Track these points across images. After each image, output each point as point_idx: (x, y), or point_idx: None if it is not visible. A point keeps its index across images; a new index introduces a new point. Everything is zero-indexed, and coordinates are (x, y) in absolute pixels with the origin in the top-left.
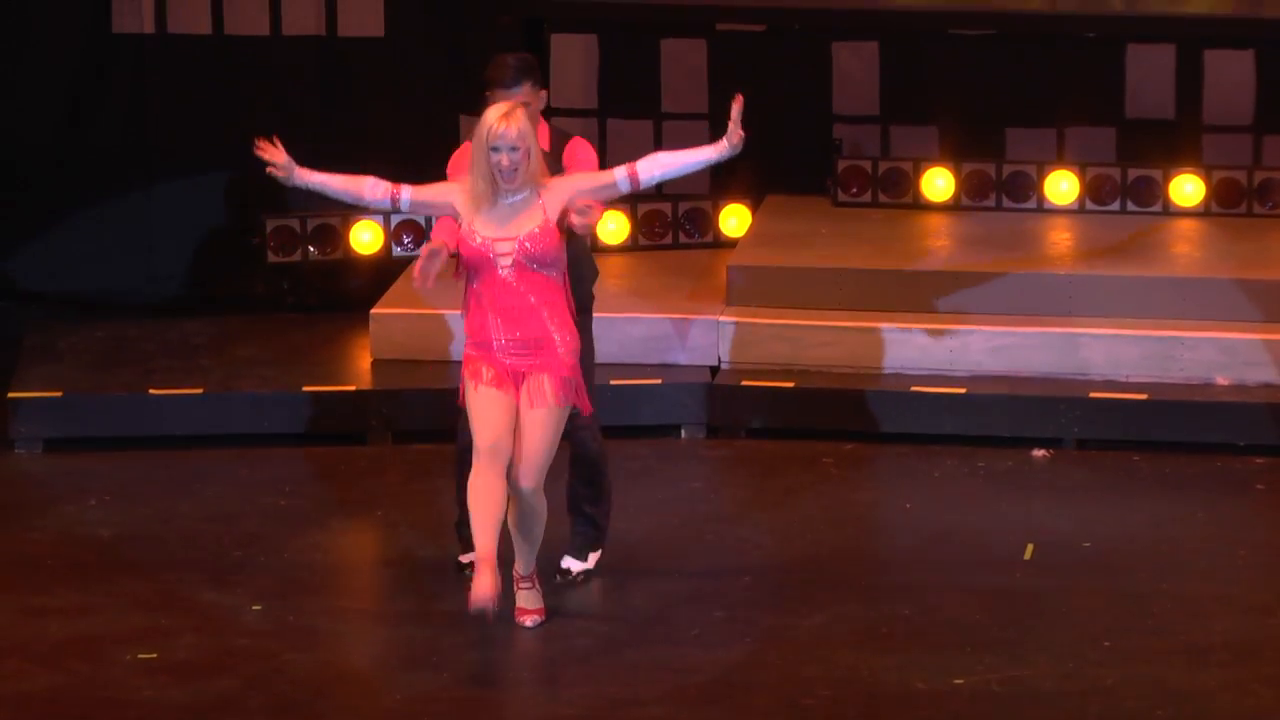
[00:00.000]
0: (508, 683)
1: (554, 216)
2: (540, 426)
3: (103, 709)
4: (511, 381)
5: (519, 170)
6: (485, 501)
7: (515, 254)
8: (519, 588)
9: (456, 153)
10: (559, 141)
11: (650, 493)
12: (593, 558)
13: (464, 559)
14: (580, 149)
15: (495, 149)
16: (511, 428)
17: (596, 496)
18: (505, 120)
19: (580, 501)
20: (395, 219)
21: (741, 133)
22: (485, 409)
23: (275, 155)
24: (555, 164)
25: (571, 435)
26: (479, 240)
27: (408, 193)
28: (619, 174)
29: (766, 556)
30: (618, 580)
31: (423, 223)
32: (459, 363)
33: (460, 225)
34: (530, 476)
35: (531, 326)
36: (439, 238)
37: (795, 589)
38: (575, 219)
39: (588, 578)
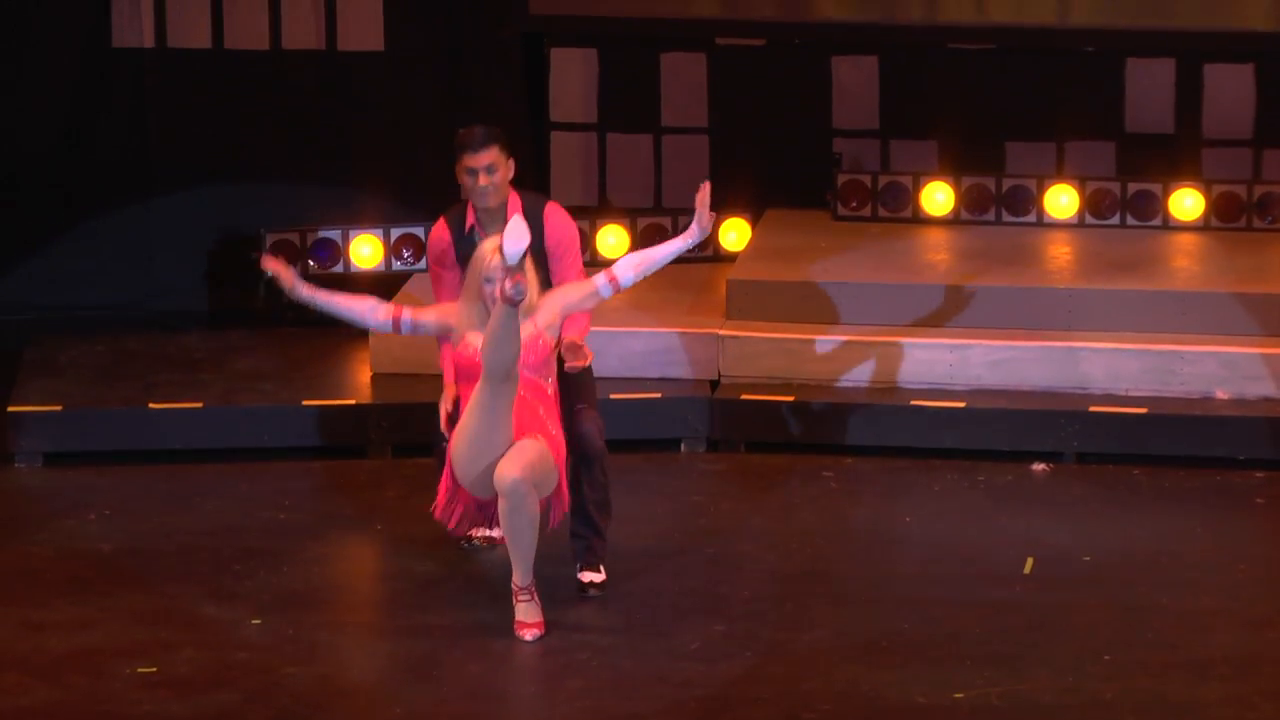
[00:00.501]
0: (507, 696)
1: (542, 326)
2: (536, 442)
3: None
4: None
5: (523, 294)
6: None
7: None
8: (518, 600)
9: (433, 235)
10: (534, 205)
11: (650, 506)
12: (601, 568)
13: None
14: (559, 216)
15: (489, 280)
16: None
17: (605, 501)
18: (494, 251)
19: (588, 507)
20: (395, 232)
21: (711, 215)
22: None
23: (281, 271)
24: (536, 224)
25: (576, 426)
26: (472, 350)
27: (408, 315)
28: (600, 282)
29: (767, 570)
30: (618, 593)
31: (423, 236)
32: None
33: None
34: (517, 466)
35: (530, 423)
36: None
37: (795, 603)
38: (568, 359)
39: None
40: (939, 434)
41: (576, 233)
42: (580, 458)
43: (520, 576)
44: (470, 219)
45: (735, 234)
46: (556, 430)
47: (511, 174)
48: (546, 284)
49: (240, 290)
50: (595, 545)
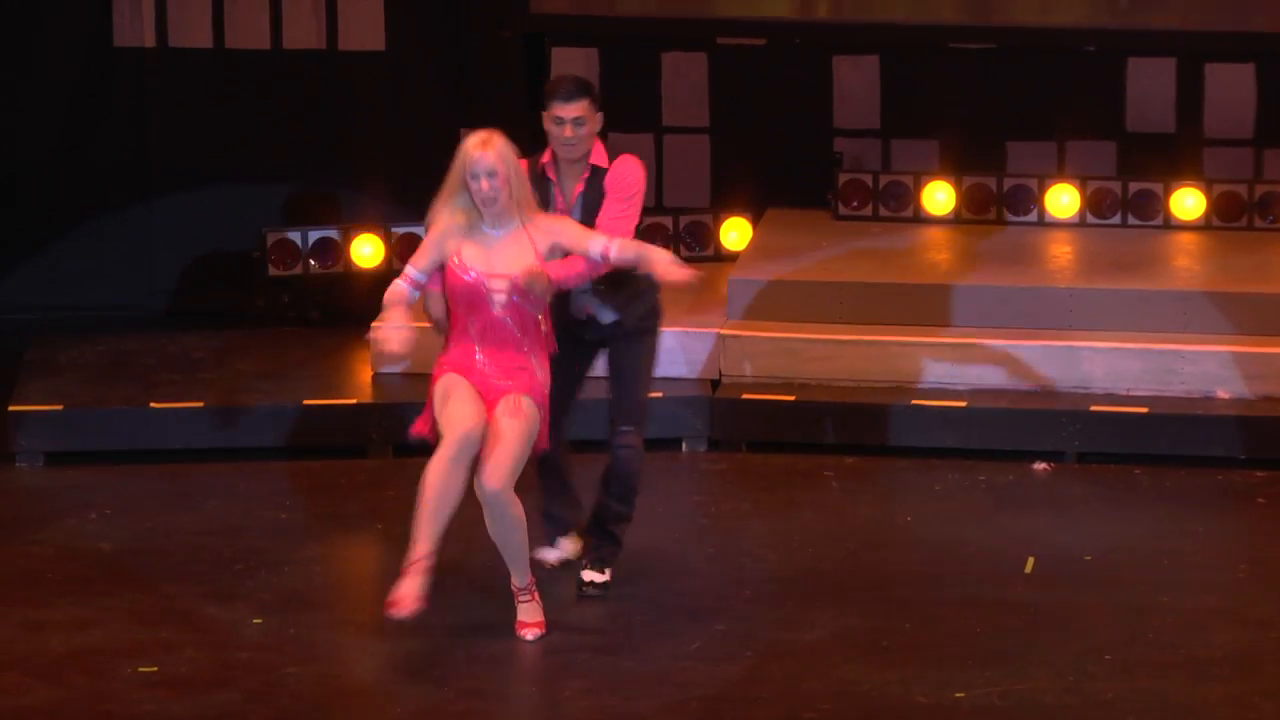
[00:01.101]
0: (508, 696)
1: (544, 253)
2: (514, 433)
3: None
4: (485, 394)
5: (498, 198)
6: (442, 495)
7: (509, 291)
8: (518, 600)
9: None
10: (600, 170)
11: (651, 506)
12: (609, 571)
13: (544, 556)
14: (622, 168)
15: (474, 176)
16: (483, 424)
17: (625, 515)
18: (482, 146)
19: (610, 520)
20: (396, 231)
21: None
22: (460, 400)
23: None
24: (601, 191)
25: (616, 450)
26: (472, 275)
27: (411, 270)
28: (596, 246)
29: (768, 570)
30: (619, 593)
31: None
32: None
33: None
34: (498, 477)
35: (515, 358)
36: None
37: (796, 602)
38: (523, 283)
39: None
40: (940, 434)
41: (635, 183)
42: (612, 474)
43: (518, 577)
44: (546, 159)
45: (736, 233)
46: (543, 371)
47: (598, 126)
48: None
49: (241, 290)
50: (605, 551)
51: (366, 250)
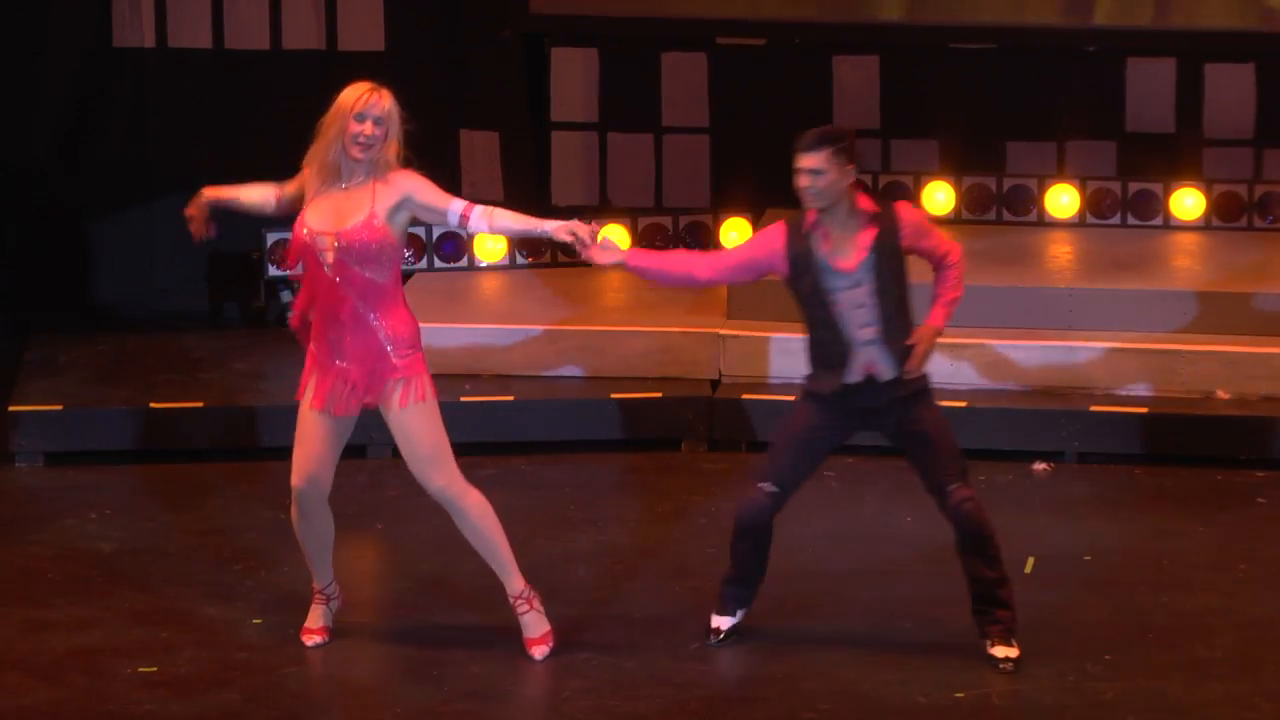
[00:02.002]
0: (508, 696)
1: (382, 211)
2: (420, 421)
3: None
4: (348, 390)
5: (376, 145)
6: (309, 537)
7: (335, 249)
8: (518, 613)
9: (768, 231)
10: (883, 203)
11: (651, 506)
12: (1014, 641)
13: (722, 625)
14: (912, 208)
15: (360, 117)
16: (335, 457)
17: (1001, 576)
18: (376, 92)
19: (988, 587)
20: None
21: (583, 235)
22: (309, 436)
23: (201, 211)
24: (895, 238)
25: (955, 511)
26: (305, 232)
27: (284, 190)
28: (454, 208)
29: (768, 570)
30: (619, 593)
31: (422, 235)
32: (458, 376)
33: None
34: (438, 472)
35: (360, 338)
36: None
37: (796, 602)
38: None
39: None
40: None
41: (921, 214)
42: (965, 538)
43: (507, 584)
44: (810, 218)
45: (736, 234)
46: (396, 344)
47: (848, 180)
48: (900, 277)
49: (240, 290)
50: (1003, 617)
51: None
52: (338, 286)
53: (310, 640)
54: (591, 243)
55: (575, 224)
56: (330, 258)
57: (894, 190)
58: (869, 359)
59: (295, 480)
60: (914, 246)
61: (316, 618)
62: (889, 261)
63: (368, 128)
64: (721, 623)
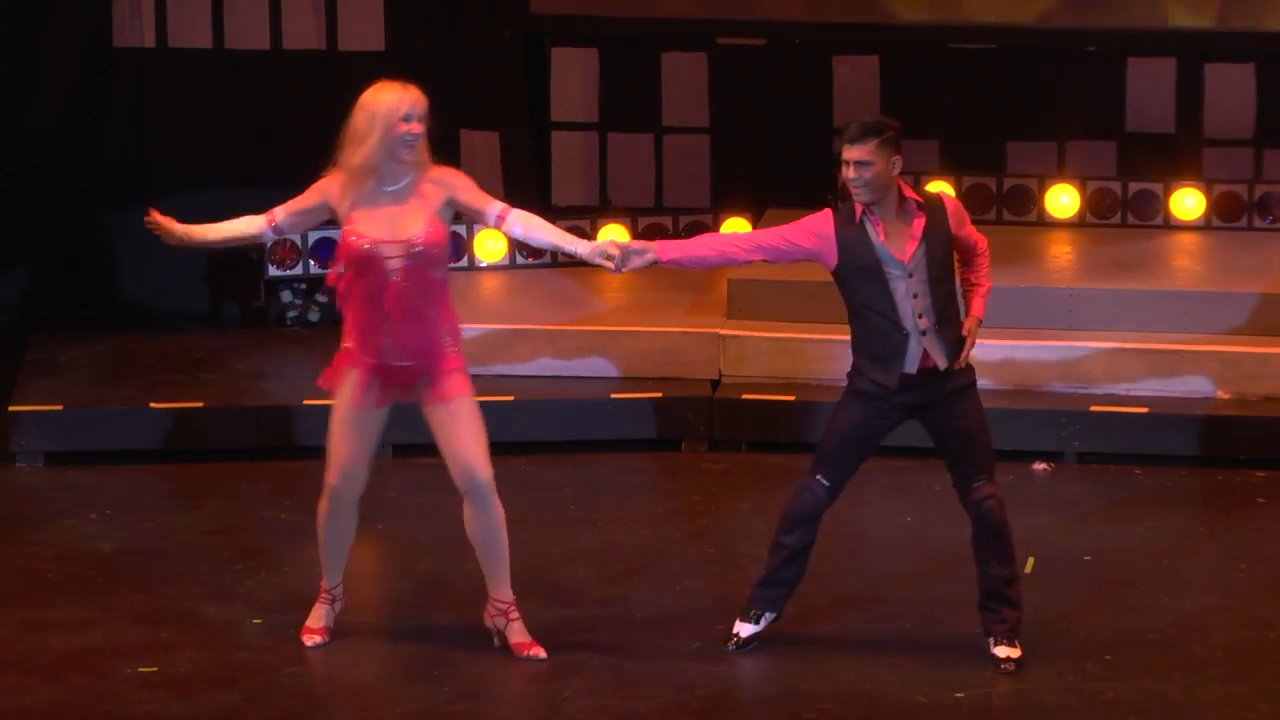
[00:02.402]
0: (508, 696)
1: (438, 211)
2: (466, 417)
3: None
4: (391, 387)
5: (418, 144)
6: (335, 527)
7: (405, 256)
8: (509, 619)
9: (817, 218)
10: (934, 203)
11: (651, 506)
12: (1018, 642)
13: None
14: (957, 205)
15: (406, 118)
16: (372, 456)
17: (1013, 576)
18: (407, 88)
19: (999, 584)
20: None
21: (617, 262)
22: (349, 435)
23: (161, 222)
24: (944, 227)
25: (977, 506)
26: (365, 245)
27: (280, 215)
28: (492, 210)
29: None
30: (619, 593)
31: None
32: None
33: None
34: (486, 465)
35: (420, 333)
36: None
37: (796, 602)
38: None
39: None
40: None
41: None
42: (983, 534)
43: (505, 590)
44: (860, 208)
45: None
46: (451, 338)
47: (895, 171)
48: (950, 266)
49: (241, 290)
50: (1010, 617)
51: None
52: (405, 291)
53: (310, 640)
54: (623, 265)
55: (608, 245)
56: (398, 264)
57: None
58: (925, 348)
59: (332, 478)
60: (956, 234)
61: (319, 617)
62: (940, 250)
63: (415, 127)
64: (742, 629)
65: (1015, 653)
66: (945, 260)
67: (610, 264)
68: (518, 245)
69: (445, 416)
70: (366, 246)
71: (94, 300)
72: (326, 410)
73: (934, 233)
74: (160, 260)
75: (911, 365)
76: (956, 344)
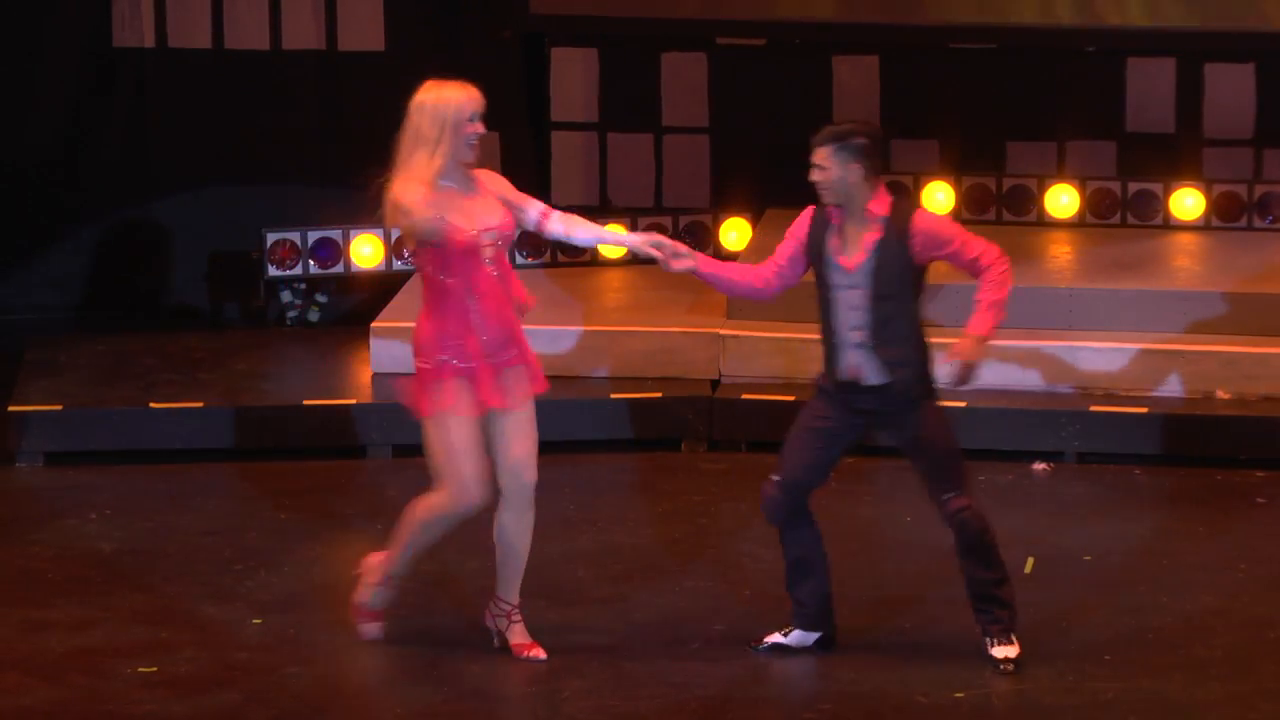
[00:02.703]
0: (508, 696)
1: (500, 200)
2: (530, 424)
3: None
4: (483, 389)
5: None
6: (436, 535)
7: (497, 243)
8: (511, 620)
9: (797, 221)
10: (901, 207)
11: (651, 506)
12: (1015, 639)
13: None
14: (932, 215)
15: (472, 118)
16: (488, 473)
17: (1000, 578)
18: (469, 89)
19: (987, 587)
20: (396, 232)
21: (678, 258)
22: (471, 446)
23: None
24: (900, 246)
25: (952, 520)
26: (471, 232)
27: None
28: (533, 210)
29: (767, 570)
30: (618, 593)
31: None
32: None
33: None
34: (534, 470)
35: (508, 317)
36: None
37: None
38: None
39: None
40: None
41: (943, 223)
42: (962, 546)
43: (515, 593)
44: (831, 210)
45: (736, 234)
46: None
47: (853, 179)
48: (904, 285)
49: (241, 290)
50: (1002, 616)
51: (366, 250)
52: (497, 281)
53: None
54: (669, 261)
55: (659, 237)
56: (490, 253)
57: (894, 190)
58: (855, 362)
59: (475, 496)
60: (932, 256)
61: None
62: (890, 267)
63: (479, 127)
64: (771, 636)
65: (1013, 651)
66: (897, 278)
67: (660, 253)
68: (516, 244)
69: (516, 419)
70: (472, 234)
71: (94, 300)
72: (326, 410)
73: (886, 249)
74: (160, 260)
75: (843, 373)
76: (893, 364)
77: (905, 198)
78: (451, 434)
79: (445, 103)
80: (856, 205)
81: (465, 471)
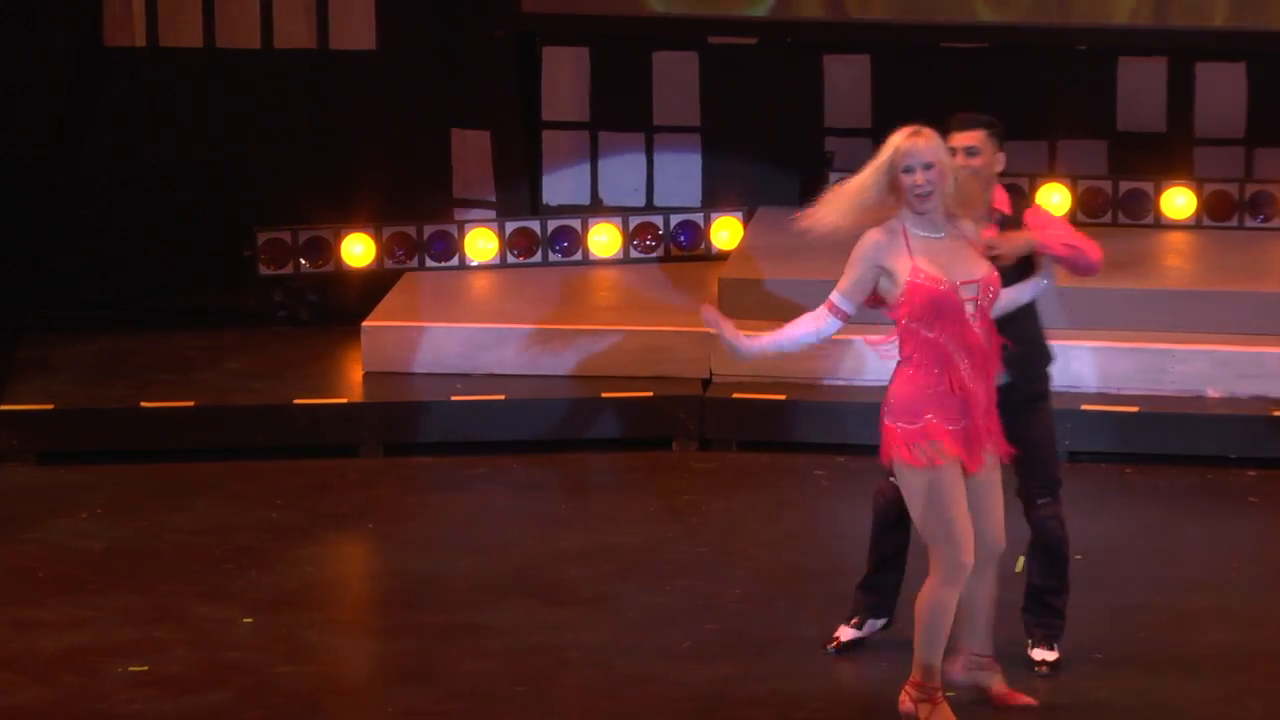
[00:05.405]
0: (500, 696)
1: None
2: (999, 487)
3: None
4: (975, 445)
5: (933, 193)
6: (950, 617)
7: (979, 297)
8: (993, 669)
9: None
10: (1019, 205)
11: (642, 505)
12: (1058, 647)
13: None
14: (1045, 212)
15: (908, 169)
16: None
17: (1061, 587)
18: (915, 136)
19: (1047, 594)
20: (387, 230)
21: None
22: (963, 511)
23: (722, 324)
24: (1017, 226)
25: (1038, 522)
26: (944, 284)
27: (836, 298)
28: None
29: (758, 569)
30: (610, 592)
31: (414, 234)
32: (450, 375)
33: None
34: (1004, 535)
35: (991, 379)
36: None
37: (787, 601)
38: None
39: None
40: None
41: (1053, 220)
42: (1038, 548)
43: (989, 645)
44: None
45: (727, 233)
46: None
47: (999, 168)
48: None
49: (233, 289)
50: (1051, 624)
51: (357, 249)
52: (982, 338)
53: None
54: None
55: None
56: (973, 308)
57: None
58: None
59: (966, 556)
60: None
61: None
62: (1005, 268)
63: (919, 178)
64: (842, 632)
65: (1052, 656)
66: (1014, 275)
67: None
68: (508, 243)
69: (988, 486)
70: (942, 286)
71: (86, 300)
72: (318, 409)
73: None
74: (152, 258)
75: None
76: (1009, 363)
77: (1021, 196)
78: (944, 496)
79: (890, 146)
80: (985, 198)
81: (962, 534)
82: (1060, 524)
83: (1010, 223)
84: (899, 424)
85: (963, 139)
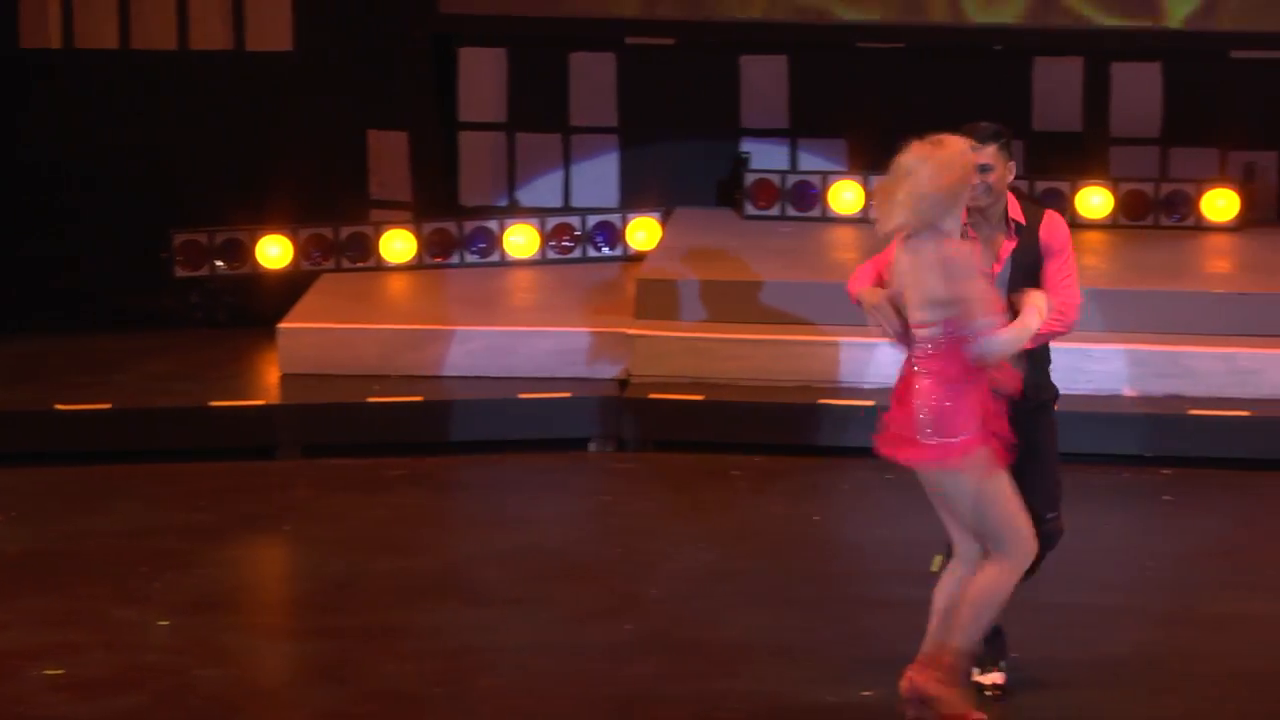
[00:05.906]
0: (417, 697)
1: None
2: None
3: None
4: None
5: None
6: (1006, 598)
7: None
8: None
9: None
10: (1033, 213)
11: (559, 506)
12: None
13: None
14: (1059, 225)
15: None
16: None
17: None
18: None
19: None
20: (304, 232)
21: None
22: (1020, 503)
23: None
24: (1032, 236)
25: (1044, 536)
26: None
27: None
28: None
29: (676, 569)
30: (528, 593)
31: (330, 235)
32: (366, 377)
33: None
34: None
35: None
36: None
37: (705, 602)
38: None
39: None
40: (848, 432)
41: (1064, 236)
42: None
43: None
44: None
45: (644, 233)
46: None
47: (1010, 177)
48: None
49: (150, 291)
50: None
51: (273, 251)
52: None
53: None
54: None
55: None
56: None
57: (802, 190)
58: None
59: (1032, 545)
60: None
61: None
62: (1023, 278)
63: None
64: (997, 677)
65: (1000, 678)
66: (1025, 283)
67: None
68: (425, 244)
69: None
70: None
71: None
72: (234, 411)
73: (1019, 260)
74: (67, 261)
75: None
76: (1031, 366)
77: (1033, 204)
78: (1007, 495)
79: (964, 153)
80: (999, 209)
81: (1025, 524)
82: (1058, 536)
83: (1025, 231)
84: (959, 436)
85: (976, 159)
